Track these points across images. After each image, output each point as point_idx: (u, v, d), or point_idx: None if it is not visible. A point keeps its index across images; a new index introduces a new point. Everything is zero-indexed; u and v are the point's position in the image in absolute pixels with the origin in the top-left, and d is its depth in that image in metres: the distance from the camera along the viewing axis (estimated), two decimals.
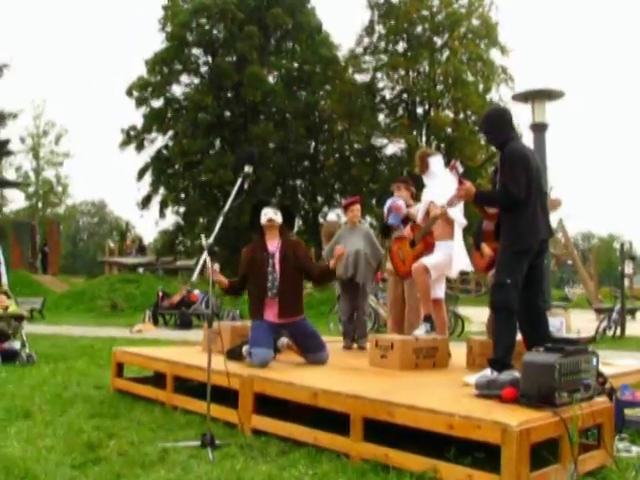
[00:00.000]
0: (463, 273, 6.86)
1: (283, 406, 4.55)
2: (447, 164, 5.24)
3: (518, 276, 4.35)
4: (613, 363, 5.93)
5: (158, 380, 5.83)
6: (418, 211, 6.41)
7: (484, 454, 3.55)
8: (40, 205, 52.65)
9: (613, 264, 43.70)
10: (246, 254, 5.71)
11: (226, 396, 4.73)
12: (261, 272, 5.51)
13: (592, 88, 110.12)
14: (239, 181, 4.76)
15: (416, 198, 6.75)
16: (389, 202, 6.72)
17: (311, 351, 5.54)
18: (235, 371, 4.77)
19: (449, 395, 4.11)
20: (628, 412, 4.65)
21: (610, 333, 13.66)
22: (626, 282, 17.54)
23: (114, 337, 12.50)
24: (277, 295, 5.48)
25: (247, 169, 4.77)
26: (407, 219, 6.46)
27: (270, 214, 5.59)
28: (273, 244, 5.61)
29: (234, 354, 5.41)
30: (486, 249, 5.85)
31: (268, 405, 4.62)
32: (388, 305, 7.20)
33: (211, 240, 4.42)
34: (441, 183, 5.88)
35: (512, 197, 4.34)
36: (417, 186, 6.89)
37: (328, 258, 7.31)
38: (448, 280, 7.91)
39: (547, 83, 12.46)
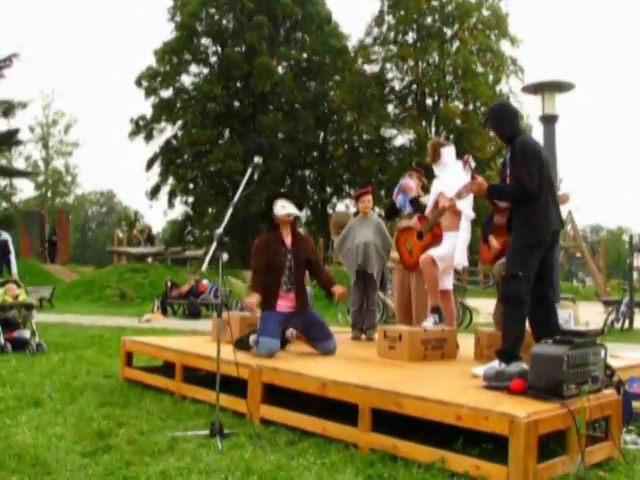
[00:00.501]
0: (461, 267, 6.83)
1: (294, 396, 4.56)
2: (458, 155, 5.24)
3: (530, 268, 4.34)
4: (621, 356, 5.92)
5: (167, 370, 5.87)
6: (427, 202, 6.41)
7: (492, 445, 3.57)
8: (49, 194, 52.91)
9: (622, 257, 43.58)
10: (262, 246, 5.61)
11: (235, 386, 4.76)
12: (279, 266, 5.50)
13: (602, 80, 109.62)
14: (249, 171, 4.77)
15: (426, 190, 6.73)
16: (401, 181, 6.72)
17: (319, 340, 5.57)
18: (244, 361, 4.80)
19: (457, 386, 4.12)
20: (636, 405, 4.64)
21: (618, 326, 13.63)
22: (635, 275, 17.47)
23: (123, 326, 12.56)
24: (292, 289, 5.52)
25: (257, 160, 4.78)
26: (417, 204, 6.43)
27: (290, 208, 5.56)
28: (288, 238, 5.61)
29: (242, 344, 5.43)
30: (494, 242, 5.84)
31: (278, 395, 4.64)
32: (395, 294, 7.19)
33: (221, 230, 4.43)
34: (452, 174, 5.87)
35: (525, 190, 4.33)
36: (427, 177, 6.88)
37: (339, 249, 7.34)
38: (456, 272, 7.91)
39: (557, 75, 12.40)
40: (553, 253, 4.67)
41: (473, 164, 4.80)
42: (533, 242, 4.36)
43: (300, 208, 5.81)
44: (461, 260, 6.05)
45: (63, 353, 8.12)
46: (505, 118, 4.64)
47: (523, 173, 4.35)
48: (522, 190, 4.35)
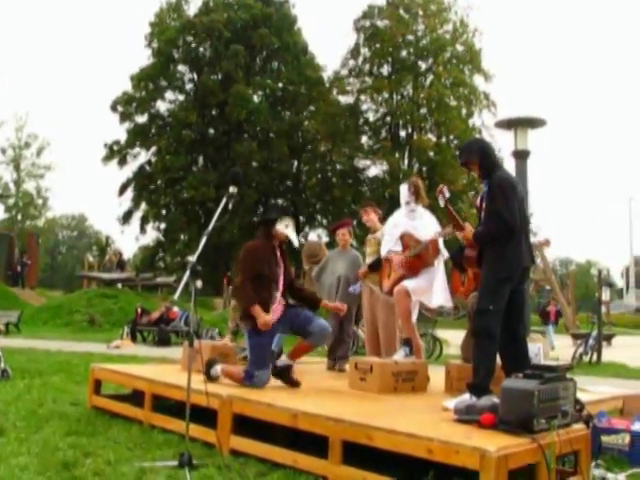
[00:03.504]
0: (441, 307, 6.83)
1: (264, 426, 4.52)
2: (431, 188, 5.29)
3: (500, 302, 4.39)
4: (590, 390, 5.98)
5: (136, 398, 5.78)
6: (383, 235, 6.41)
7: (463, 479, 3.56)
8: (19, 217, 52.25)
9: (590, 290, 44.12)
10: (257, 254, 5.39)
11: (205, 416, 4.71)
12: (273, 277, 5.39)
13: (572, 116, 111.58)
14: (223, 201, 4.77)
15: (383, 221, 6.77)
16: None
17: (314, 330, 5.36)
18: (214, 391, 4.75)
19: (428, 419, 4.12)
20: (605, 439, 4.69)
21: (587, 359, 13.74)
22: (603, 308, 17.68)
23: (91, 352, 12.38)
24: (281, 303, 5.44)
25: (232, 189, 4.78)
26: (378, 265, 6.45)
27: (292, 232, 5.47)
28: (278, 253, 5.52)
29: (210, 374, 5.36)
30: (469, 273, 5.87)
31: (249, 425, 4.60)
32: (365, 328, 7.19)
33: (194, 259, 4.41)
34: (425, 217, 5.96)
35: (507, 225, 4.39)
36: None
37: (316, 280, 7.33)
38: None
39: (529, 111, 12.61)
40: (524, 288, 4.73)
41: (447, 194, 4.86)
42: (504, 277, 4.41)
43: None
44: (444, 300, 6.03)
45: (29, 379, 7.96)
46: (482, 154, 4.71)
47: (504, 209, 4.40)
48: (504, 225, 4.40)
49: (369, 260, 6.73)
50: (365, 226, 7.09)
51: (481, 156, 4.70)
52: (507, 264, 4.41)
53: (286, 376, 5.35)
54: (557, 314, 20.97)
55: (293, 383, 5.34)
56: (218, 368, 5.47)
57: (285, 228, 5.46)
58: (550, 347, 17.44)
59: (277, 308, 5.39)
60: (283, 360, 5.59)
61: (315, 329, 5.36)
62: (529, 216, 4.82)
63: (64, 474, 3.97)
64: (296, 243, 5.60)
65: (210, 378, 5.26)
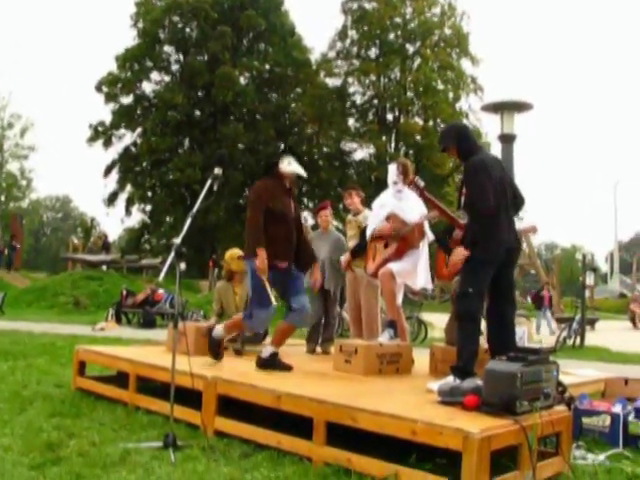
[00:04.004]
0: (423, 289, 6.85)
1: (249, 408, 4.54)
2: (418, 172, 5.31)
3: (482, 285, 4.41)
4: (572, 373, 6.03)
5: (121, 380, 5.78)
6: (367, 217, 6.43)
7: (446, 460, 3.59)
8: (3, 199, 51.83)
9: (575, 274, 44.41)
10: (267, 189, 5.33)
11: (189, 397, 4.71)
12: (286, 216, 5.32)
13: (559, 100, 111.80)
14: (208, 182, 4.75)
15: (366, 204, 6.79)
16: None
17: (294, 305, 5.31)
18: (199, 372, 4.76)
19: (412, 401, 4.15)
20: (586, 420, 4.74)
21: (570, 342, 13.86)
22: (587, 293, 17.83)
23: (76, 335, 12.34)
24: (293, 247, 5.38)
25: (217, 171, 4.77)
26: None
27: (296, 166, 5.43)
28: (292, 198, 5.49)
29: (214, 343, 5.43)
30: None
31: (234, 406, 4.61)
32: (349, 312, 7.21)
33: (179, 241, 4.40)
34: (411, 198, 5.95)
35: (482, 211, 4.39)
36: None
37: None
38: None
39: (516, 95, 12.64)
40: (511, 271, 4.74)
41: (422, 183, 4.92)
42: (485, 259, 4.41)
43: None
44: (425, 282, 6.07)
45: (13, 361, 7.94)
46: (459, 138, 4.71)
47: (478, 193, 4.40)
48: (480, 214, 4.40)
49: (351, 243, 6.73)
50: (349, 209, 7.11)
51: (458, 141, 4.70)
52: (486, 246, 4.40)
53: (277, 364, 5.31)
54: (550, 298, 20.78)
55: (286, 368, 5.31)
56: (219, 327, 5.51)
57: (288, 165, 5.44)
58: (550, 332, 17.49)
59: (290, 255, 5.33)
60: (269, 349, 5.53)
61: (295, 305, 5.31)
62: (520, 194, 4.81)
63: (48, 455, 3.97)
64: (304, 174, 5.54)
65: (215, 343, 5.38)
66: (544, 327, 18.71)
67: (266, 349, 5.38)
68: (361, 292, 6.59)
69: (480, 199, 4.38)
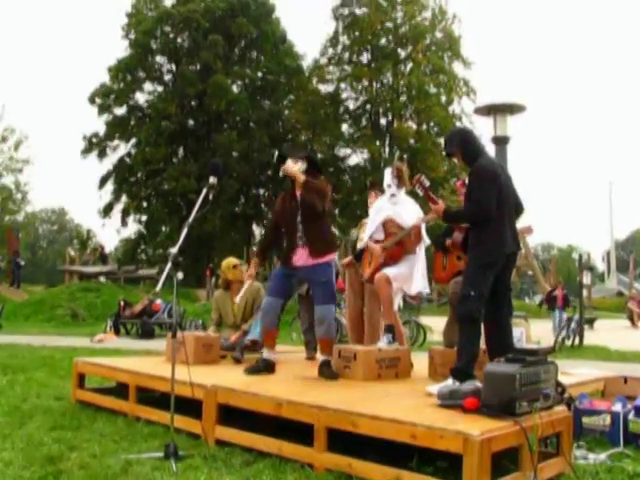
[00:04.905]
0: (419, 293, 6.85)
1: (250, 415, 4.53)
2: (412, 176, 5.30)
3: (483, 288, 4.42)
4: (571, 373, 6.04)
5: (121, 391, 5.78)
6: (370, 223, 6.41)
7: (447, 463, 3.60)
8: None
9: (572, 274, 44.47)
10: (275, 207, 5.90)
11: (190, 406, 4.71)
12: (292, 222, 5.54)
13: (553, 102, 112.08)
14: (204, 192, 4.76)
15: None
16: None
17: (319, 302, 5.46)
18: (199, 382, 4.76)
19: (412, 405, 4.15)
20: (586, 420, 4.75)
21: (569, 342, 13.88)
22: (584, 292, 17.84)
23: (75, 347, 12.32)
24: (306, 243, 5.47)
25: (212, 180, 4.78)
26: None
27: (286, 165, 5.65)
28: (299, 191, 5.56)
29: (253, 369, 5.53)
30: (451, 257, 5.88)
31: (234, 414, 4.61)
32: (348, 321, 7.16)
33: (176, 250, 4.41)
34: (408, 203, 5.96)
35: (481, 211, 4.42)
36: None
37: None
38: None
39: (509, 97, 12.65)
40: (509, 273, 4.76)
41: (427, 183, 4.88)
42: (487, 262, 4.43)
43: (311, 161, 5.78)
44: (422, 287, 6.08)
45: (12, 375, 7.92)
46: (463, 143, 4.72)
47: (481, 197, 4.43)
48: (478, 212, 4.43)
49: (360, 245, 6.67)
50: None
51: (462, 146, 4.72)
52: (489, 250, 4.44)
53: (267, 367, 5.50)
54: (565, 298, 19.09)
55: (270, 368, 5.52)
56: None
57: (292, 164, 5.63)
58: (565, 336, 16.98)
59: (300, 252, 5.49)
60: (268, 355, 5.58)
61: (317, 312, 5.48)
62: (521, 202, 4.84)
63: (49, 468, 3.95)
64: (303, 166, 5.64)
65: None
66: None
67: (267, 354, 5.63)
68: (366, 299, 6.56)
69: (482, 202, 4.40)
